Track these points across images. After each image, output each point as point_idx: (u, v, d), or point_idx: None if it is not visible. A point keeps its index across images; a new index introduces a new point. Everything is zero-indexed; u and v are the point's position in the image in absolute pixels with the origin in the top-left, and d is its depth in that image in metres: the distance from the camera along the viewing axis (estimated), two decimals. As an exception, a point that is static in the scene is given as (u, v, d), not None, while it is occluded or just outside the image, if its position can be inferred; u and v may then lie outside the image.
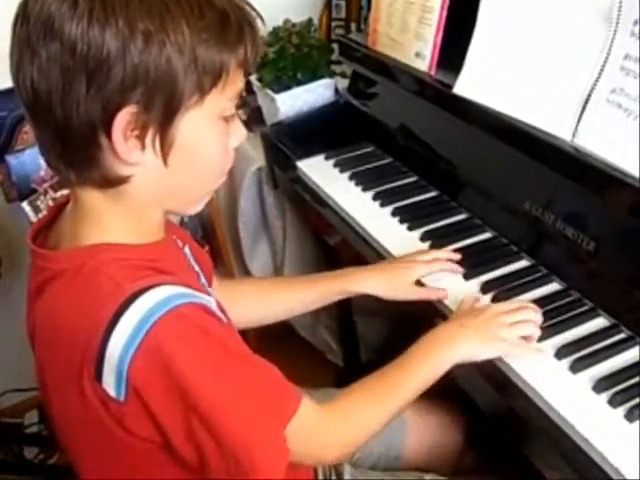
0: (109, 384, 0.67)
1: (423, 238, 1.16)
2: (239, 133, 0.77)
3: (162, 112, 0.67)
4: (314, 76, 1.56)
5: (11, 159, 1.52)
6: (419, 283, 1.05)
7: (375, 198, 1.28)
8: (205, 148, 0.73)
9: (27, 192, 1.51)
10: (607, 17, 0.94)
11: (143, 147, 0.69)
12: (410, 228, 1.19)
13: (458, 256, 1.07)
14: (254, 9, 0.74)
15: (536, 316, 0.91)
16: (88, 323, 0.67)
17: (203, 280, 0.90)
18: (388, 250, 1.15)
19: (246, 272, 1.76)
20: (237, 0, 0.71)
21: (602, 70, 0.95)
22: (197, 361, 0.68)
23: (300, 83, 1.55)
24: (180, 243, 0.89)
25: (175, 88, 0.67)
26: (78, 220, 0.75)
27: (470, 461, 1.21)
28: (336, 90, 1.58)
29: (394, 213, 1.23)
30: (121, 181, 0.71)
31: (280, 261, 1.69)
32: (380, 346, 1.74)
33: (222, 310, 0.82)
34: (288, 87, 1.54)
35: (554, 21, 1.03)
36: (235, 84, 0.72)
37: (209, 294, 0.87)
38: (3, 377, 1.69)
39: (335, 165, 1.40)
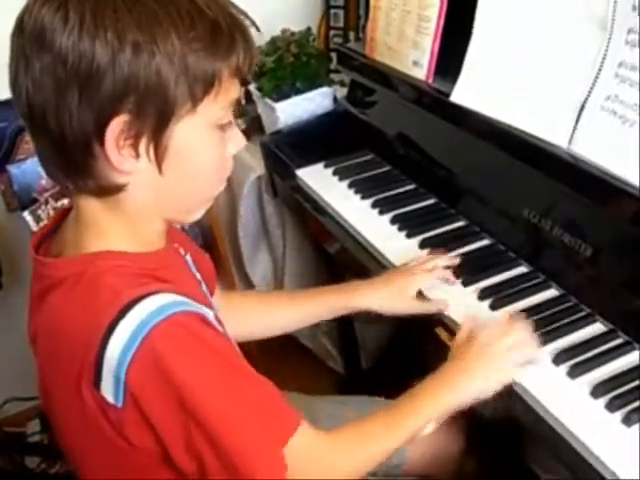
0: (107, 390, 0.67)
1: (422, 245, 1.16)
2: (237, 141, 0.78)
3: (154, 120, 0.69)
4: (313, 85, 1.57)
5: (12, 169, 1.53)
6: (419, 293, 1.05)
7: (374, 206, 1.29)
8: (200, 156, 0.74)
9: (28, 201, 1.52)
10: (602, 25, 0.96)
11: (137, 155, 0.70)
12: (409, 235, 1.19)
13: (457, 260, 1.08)
14: (248, 17, 0.74)
15: (526, 324, 0.90)
16: (87, 330, 0.68)
17: (204, 288, 0.91)
18: (387, 258, 1.16)
19: (247, 280, 1.77)
20: (230, 9, 0.72)
21: (597, 77, 0.96)
22: (195, 369, 0.68)
23: (299, 92, 1.56)
24: (182, 251, 0.89)
25: (166, 97, 0.68)
26: (79, 228, 0.76)
27: (471, 467, 1.21)
28: (335, 99, 1.59)
29: (393, 221, 1.24)
30: (117, 189, 0.72)
31: (280, 269, 1.70)
32: (380, 352, 1.74)
33: (220, 323, 0.82)
34: (287, 96, 1.55)
35: (550, 29, 1.04)
36: (229, 92, 0.73)
37: (210, 303, 0.87)
38: (5, 386, 1.69)
39: (334, 173, 1.40)
